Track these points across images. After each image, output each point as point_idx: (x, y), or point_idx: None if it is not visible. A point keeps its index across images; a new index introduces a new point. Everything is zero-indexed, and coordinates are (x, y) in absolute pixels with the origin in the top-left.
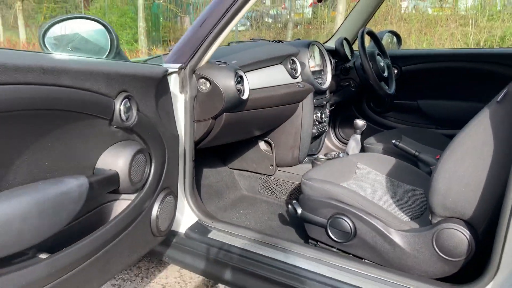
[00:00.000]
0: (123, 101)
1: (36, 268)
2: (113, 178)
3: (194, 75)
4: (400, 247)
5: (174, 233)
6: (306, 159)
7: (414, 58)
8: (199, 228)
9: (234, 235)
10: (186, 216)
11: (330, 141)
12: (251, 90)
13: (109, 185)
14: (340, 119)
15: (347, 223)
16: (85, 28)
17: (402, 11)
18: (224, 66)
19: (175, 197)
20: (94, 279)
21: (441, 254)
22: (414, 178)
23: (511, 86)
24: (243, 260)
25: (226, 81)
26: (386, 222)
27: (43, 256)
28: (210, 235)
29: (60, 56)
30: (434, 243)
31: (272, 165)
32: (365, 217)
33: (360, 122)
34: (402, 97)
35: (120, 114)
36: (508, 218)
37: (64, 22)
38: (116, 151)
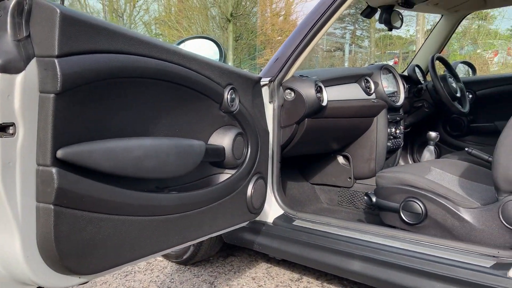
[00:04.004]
0: (230, 91)
1: (171, 197)
2: (221, 151)
3: (281, 87)
4: (469, 222)
5: (263, 223)
6: None
7: (488, 82)
8: (285, 218)
9: (316, 222)
10: (273, 209)
11: None
12: (329, 101)
13: (217, 155)
14: (418, 145)
15: (418, 205)
16: (204, 45)
17: (494, 68)
18: (306, 78)
19: (266, 183)
20: (206, 225)
21: (507, 225)
22: (486, 179)
23: None
24: (324, 239)
25: (308, 90)
26: (455, 201)
27: (174, 193)
28: (295, 223)
29: (191, 51)
30: (500, 215)
31: (350, 178)
32: (435, 198)
33: (433, 134)
34: (479, 120)
35: (227, 101)
36: None
37: (191, 40)
38: (223, 131)
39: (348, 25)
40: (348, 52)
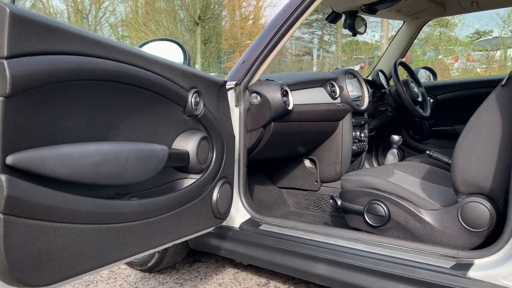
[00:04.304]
0: (194, 95)
1: (132, 204)
2: (185, 156)
3: (247, 91)
4: (430, 224)
5: (229, 228)
6: None
7: (449, 87)
8: (251, 223)
9: (282, 227)
10: (240, 213)
11: None
12: (295, 105)
13: (181, 160)
14: (382, 148)
15: (382, 208)
16: (168, 47)
17: (454, 74)
18: (272, 82)
19: (232, 187)
20: (170, 231)
21: (466, 226)
22: (447, 181)
23: None
24: (290, 243)
25: (274, 94)
26: (417, 203)
27: (135, 199)
28: (261, 228)
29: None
30: (459, 217)
31: (317, 181)
32: (398, 200)
33: (396, 137)
34: (440, 124)
35: (191, 105)
36: None
37: (154, 42)
38: (187, 135)
39: (316, 30)
40: (316, 57)
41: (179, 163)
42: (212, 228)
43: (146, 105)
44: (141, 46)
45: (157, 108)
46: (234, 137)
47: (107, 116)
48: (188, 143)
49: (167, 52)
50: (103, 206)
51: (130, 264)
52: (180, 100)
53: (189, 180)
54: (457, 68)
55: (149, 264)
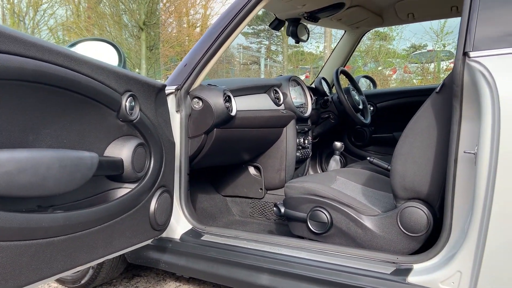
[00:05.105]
0: (128, 99)
1: (55, 217)
2: (118, 163)
3: (188, 96)
4: (370, 230)
5: (170, 239)
6: None
7: (387, 96)
8: (193, 233)
9: (225, 236)
10: (181, 224)
11: None
12: (238, 111)
13: (114, 168)
14: (326, 154)
15: (324, 215)
16: (101, 49)
17: (393, 84)
18: (214, 87)
19: (171, 197)
20: (100, 246)
21: (405, 231)
22: (387, 187)
23: (446, 79)
24: (232, 254)
25: (216, 99)
26: (358, 209)
27: (60, 212)
28: (203, 238)
29: (82, 54)
30: (398, 222)
31: (261, 189)
32: (339, 206)
33: (338, 144)
34: (379, 131)
35: (125, 109)
36: (451, 188)
37: (86, 42)
38: (121, 142)
39: (263, 40)
40: (264, 66)
41: (112, 172)
42: (150, 240)
43: (73, 109)
44: (71, 46)
45: (86, 113)
46: (174, 143)
47: (26, 120)
48: (122, 150)
49: (101, 53)
50: (20, 220)
51: (61, 282)
52: (113, 104)
53: (124, 190)
54: (395, 79)
55: (83, 281)
